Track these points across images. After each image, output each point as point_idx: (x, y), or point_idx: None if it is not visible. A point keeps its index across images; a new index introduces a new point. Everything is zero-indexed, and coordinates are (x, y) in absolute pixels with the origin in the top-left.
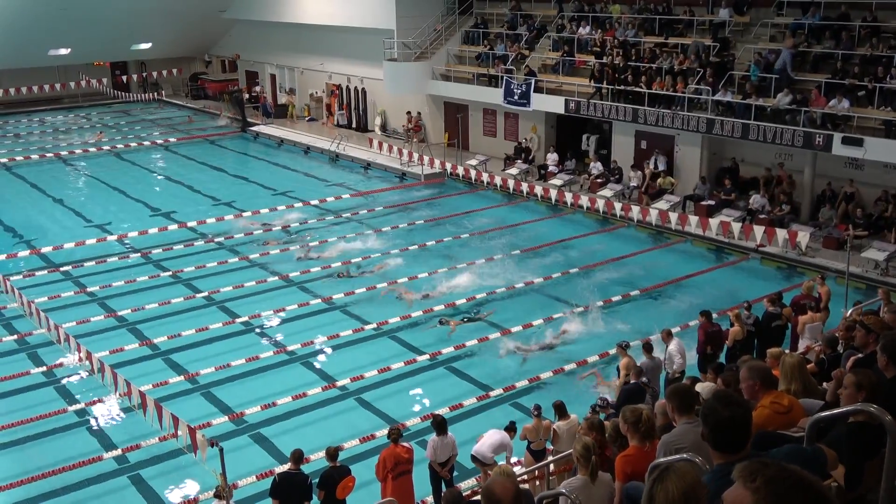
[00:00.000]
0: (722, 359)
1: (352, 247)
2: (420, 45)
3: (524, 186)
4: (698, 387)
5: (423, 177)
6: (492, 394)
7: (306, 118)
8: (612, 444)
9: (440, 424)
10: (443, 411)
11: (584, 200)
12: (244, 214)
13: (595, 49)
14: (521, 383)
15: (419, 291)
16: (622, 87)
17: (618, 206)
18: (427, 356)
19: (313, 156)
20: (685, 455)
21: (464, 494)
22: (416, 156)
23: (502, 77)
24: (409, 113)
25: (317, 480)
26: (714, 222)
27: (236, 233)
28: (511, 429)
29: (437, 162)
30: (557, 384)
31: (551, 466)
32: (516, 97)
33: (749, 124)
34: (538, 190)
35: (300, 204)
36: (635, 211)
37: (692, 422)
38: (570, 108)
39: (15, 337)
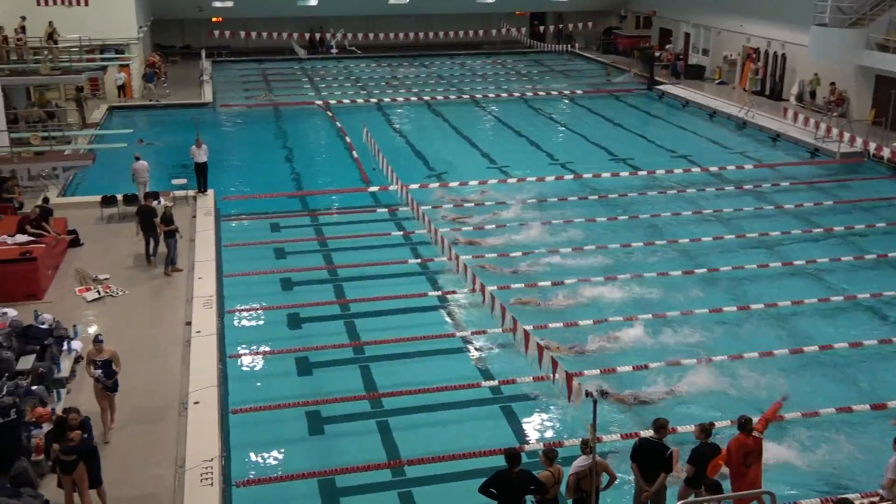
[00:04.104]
0: None
1: (749, 223)
2: (857, 10)
3: None
4: None
5: (838, 154)
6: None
7: (716, 81)
8: None
9: None
10: (827, 411)
11: None
12: (640, 173)
13: None
14: None
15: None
16: None
17: None
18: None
19: (718, 120)
20: None
21: None
22: (834, 131)
23: None
24: (832, 84)
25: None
26: None
27: (631, 191)
28: None
29: (858, 140)
30: None
31: None
32: None
33: None
34: None
35: (698, 169)
36: None
37: None
38: None
39: (419, 261)
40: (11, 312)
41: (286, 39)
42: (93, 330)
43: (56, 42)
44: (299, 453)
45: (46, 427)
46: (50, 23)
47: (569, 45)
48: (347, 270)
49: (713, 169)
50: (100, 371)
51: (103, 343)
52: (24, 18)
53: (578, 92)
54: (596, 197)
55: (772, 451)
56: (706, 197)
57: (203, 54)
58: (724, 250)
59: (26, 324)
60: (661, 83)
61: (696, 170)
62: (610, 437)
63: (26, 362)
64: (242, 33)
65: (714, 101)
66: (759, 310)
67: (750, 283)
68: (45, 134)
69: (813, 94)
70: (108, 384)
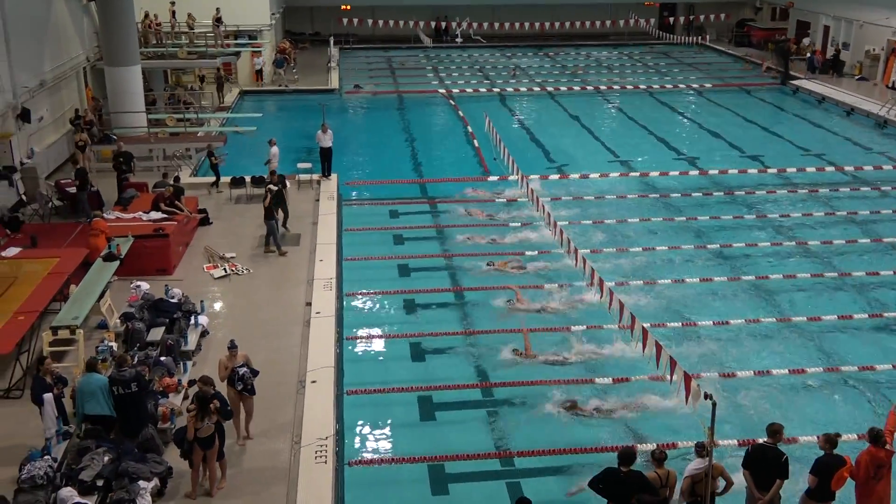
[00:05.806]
0: None
1: (886, 227)
2: None
3: None
4: None
5: None
6: None
7: (856, 76)
8: None
9: None
10: None
11: None
12: (769, 171)
13: None
14: None
15: None
16: None
17: None
18: None
19: (856, 118)
20: None
21: None
22: None
23: None
24: None
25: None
26: None
27: (759, 189)
28: None
29: None
30: None
31: None
32: None
33: None
34: None
35: (832, 168)
36: None
37: None
38: None
39: (536, 252)
40: (144, 286)
41: (412, 28)
42: (219, 306)
43: (224, 26)
44: (410, 437)
45: (173, 397)
46: (217, 9)
47: (699, 37)
48: (463, 259)
49: (849, 169)
50: (245, 369)
51: (237, 348)
52: (173, 3)
53: (708, 85)
54: (721, 194)
55: None
56: (839, 197)
57: (331, 41)
58: (857, 254)
59: (157, 297)
60: (797, 78)
61: (829, 169)
62: (726, 442)
63: (156, 334)
64: (370, 21)
65: (853, 97)
66: (893, 318)
67: (884, 290)
68: (180, 115)
69: None
70: (249, 384)
